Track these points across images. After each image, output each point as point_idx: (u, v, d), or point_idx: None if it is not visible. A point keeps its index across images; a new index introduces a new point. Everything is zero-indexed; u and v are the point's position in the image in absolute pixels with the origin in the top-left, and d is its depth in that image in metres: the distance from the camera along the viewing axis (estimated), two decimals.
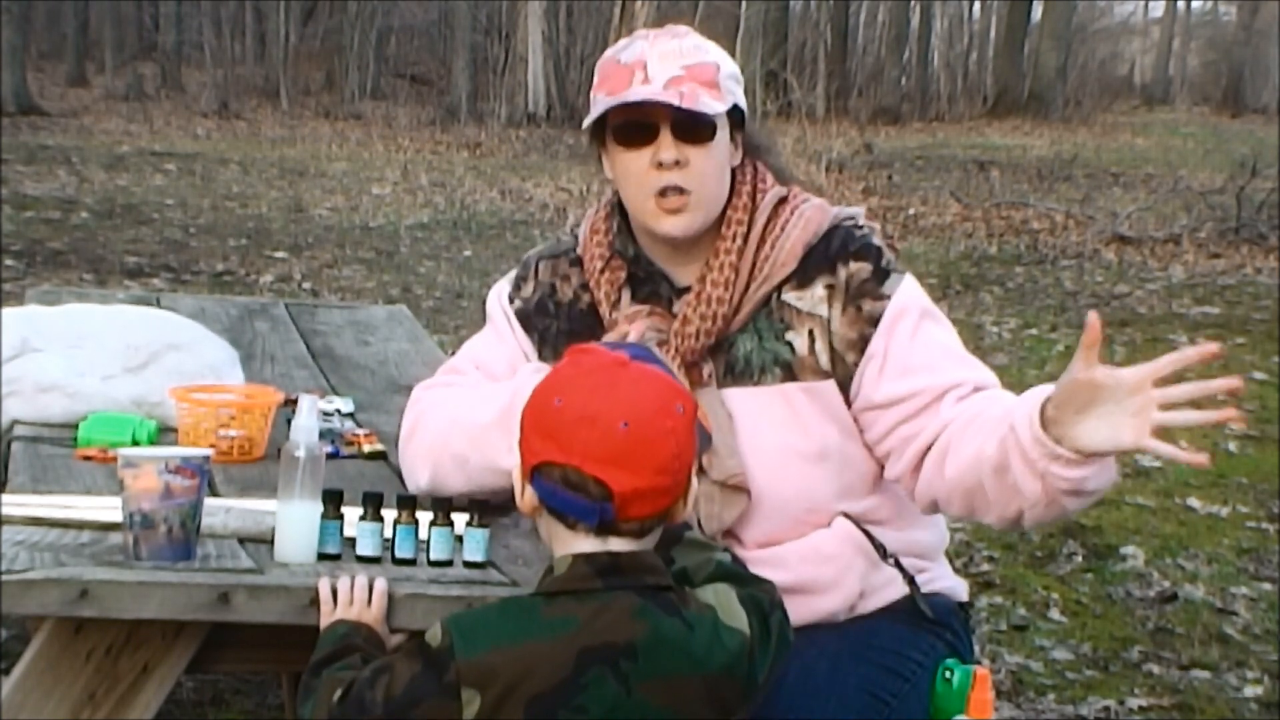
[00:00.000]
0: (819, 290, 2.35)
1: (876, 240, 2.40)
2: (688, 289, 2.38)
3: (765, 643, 1.95)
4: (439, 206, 14.16)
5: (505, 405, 2.31)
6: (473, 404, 2.42)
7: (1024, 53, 30.42)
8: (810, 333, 2.34)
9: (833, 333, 2.33)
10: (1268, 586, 5.04)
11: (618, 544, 1.91)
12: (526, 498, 1.96)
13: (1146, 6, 48.14)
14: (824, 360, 2.33)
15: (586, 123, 2.36)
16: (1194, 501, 5.91)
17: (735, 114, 2.39)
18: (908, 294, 2.35)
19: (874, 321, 2.33)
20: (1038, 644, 4.47)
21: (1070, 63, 31.00)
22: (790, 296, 2.36)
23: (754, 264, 2.36)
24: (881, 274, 2.35)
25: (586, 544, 1.91)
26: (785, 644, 1.99)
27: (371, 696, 1.87)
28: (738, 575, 2.02)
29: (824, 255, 2.36)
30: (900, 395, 2.31)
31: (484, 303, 2.63)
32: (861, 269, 2.35)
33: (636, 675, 1.86)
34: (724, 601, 1.94)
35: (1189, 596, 4.91)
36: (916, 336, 2.33)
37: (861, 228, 2.41)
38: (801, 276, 2.36)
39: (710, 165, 2.35)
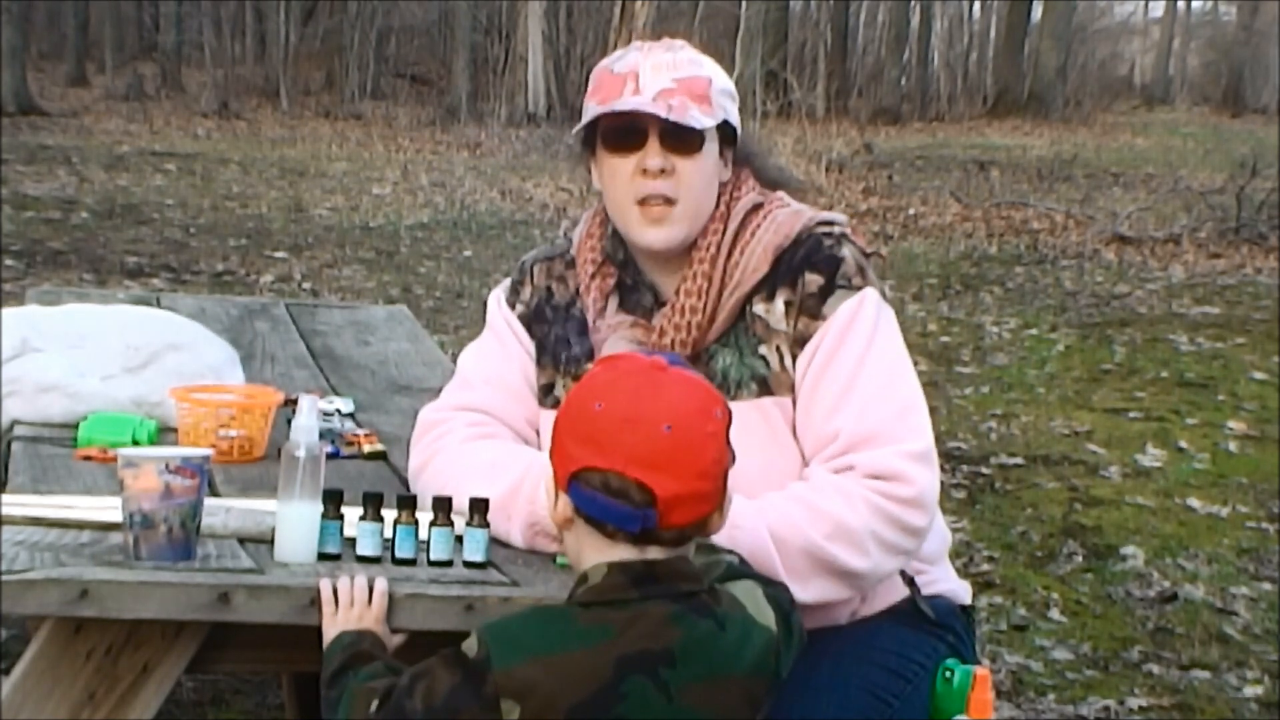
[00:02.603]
0: (780, 305, 2.33)
1: (844, 250, 2.35)
2: None
3: (789, 640, 1.96)
4: (439, 206, 14.16)
5: (514, 483, 2.26)
6: (483, 471, 2.31)
7: (1024, 53, 30.43)
8: (778, 348, 2.33)
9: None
10: (1268, 586, 5.04)
11: (655, 553, 1.89)
12: (560, 509, 1.93)
13: (1146, 6, 48.13)
14: (794, 375, 2.32)
15: (577, 129, 2.35)
16: (1194, 501, 5.91)
17: (727, 129, 2.37)
18: (841, 317, 2.31)
19: (802, 343, 2.31)
20: (1038, 644, 4.47)
21: (1070, 63, 31.00)
22: (760, 309, 2.34)
23: (724, 271, 2.34)
24: (827, 291, 2.31)
25: (622, 554, 1.89)
26: (803, 643, 2.00)
27: (411, 705, 1.86)
28: (753, 576, 2.02)
29: (789, 265, 2.34)
30: (799, 433, 2.31)
31: (484, 304, 2.61)
32: (813, 283, 2.32)
33: (676, 681, 1.85)
34: (753, 598, 1.95)
35: (1189, 596, 4.90)
36: (828, 368, 2.30)
37: (832, 235, 2.37)
38: (770, 288, 2.34)
39: (697, 177, 2.33)
